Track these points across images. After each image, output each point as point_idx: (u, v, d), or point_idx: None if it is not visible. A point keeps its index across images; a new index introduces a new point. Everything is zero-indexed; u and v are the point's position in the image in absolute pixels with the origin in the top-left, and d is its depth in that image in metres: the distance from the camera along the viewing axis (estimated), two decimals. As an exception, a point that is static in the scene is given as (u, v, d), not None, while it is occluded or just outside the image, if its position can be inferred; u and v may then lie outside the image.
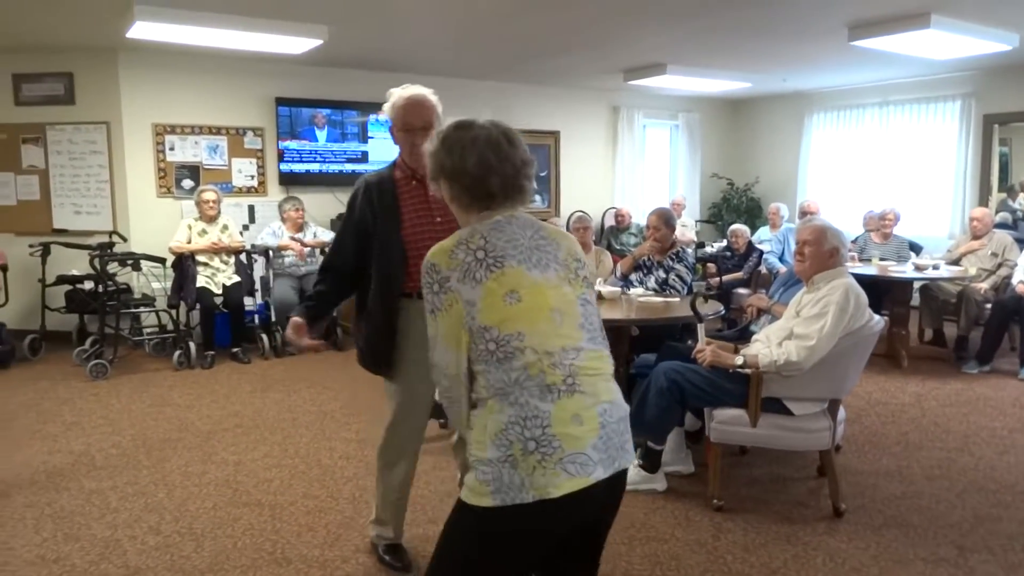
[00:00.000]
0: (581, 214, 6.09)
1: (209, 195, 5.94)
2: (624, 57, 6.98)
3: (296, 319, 2.52)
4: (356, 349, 2.69)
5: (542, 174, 8.76)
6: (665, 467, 3.44)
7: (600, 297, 4.13)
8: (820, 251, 3.14)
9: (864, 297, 3.07)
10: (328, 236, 6.51)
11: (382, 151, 7.50)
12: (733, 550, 2.86)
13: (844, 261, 3.18)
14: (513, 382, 1.51)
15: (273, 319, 6.14)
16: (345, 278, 2.58)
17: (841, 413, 3.21)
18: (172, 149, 6.57)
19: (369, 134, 7.45)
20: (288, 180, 7.05)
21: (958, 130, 7.95)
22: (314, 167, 7.20)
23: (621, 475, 1.59)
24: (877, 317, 3.14)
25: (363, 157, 7.45)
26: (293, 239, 6.26)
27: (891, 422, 4.36)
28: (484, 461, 1.51)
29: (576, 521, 1.59)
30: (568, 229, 6.03)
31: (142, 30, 5.03)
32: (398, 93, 2.49)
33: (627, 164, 9.36)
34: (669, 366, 3.21)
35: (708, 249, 7.99)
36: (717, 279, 7.01)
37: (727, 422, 3.14)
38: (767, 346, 3.11)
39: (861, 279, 5.96)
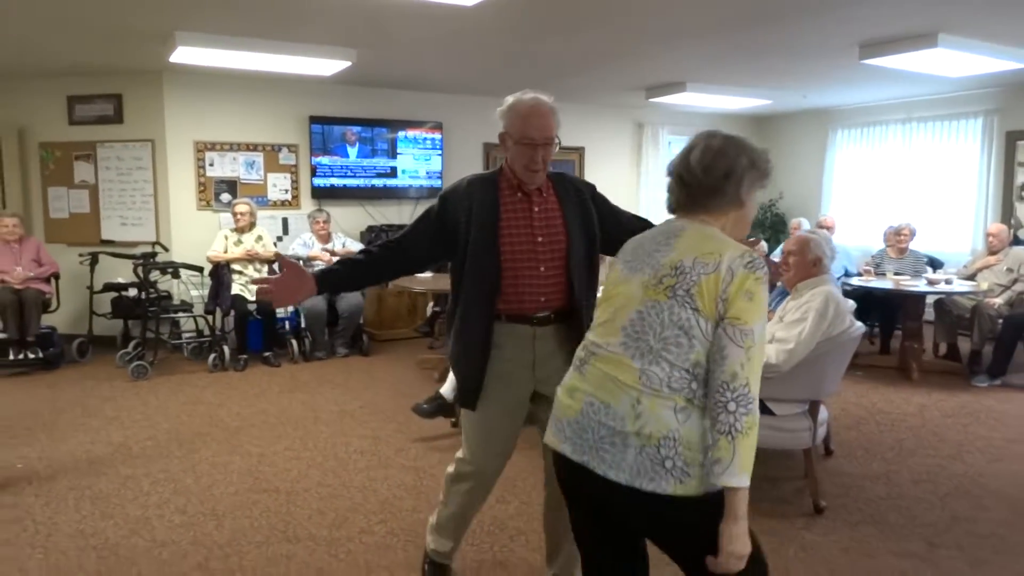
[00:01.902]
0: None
1: (242, 208, 6.30)
2: (644, 76, 7.20)
3: (304, 272, 2.28)
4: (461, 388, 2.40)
5: (566, 189, 8.98)
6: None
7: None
8: (803, 260, 3.31)
9: (844, 304, 3.24)
10: (357, 246, 6.83)
11: (410, 166, 7.82)
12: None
13: (827, 270, 3.35)
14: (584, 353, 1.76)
15: (303, 325, 6.45)
16: (399, 259, 2.35)
17: (823, 414, 3.37)
18: (212, 165, 6.97)
19: (398, 150, 7.77)
20: (320, 194, 7.40)
21: (980, 147, 7.97)
22: (345, 182, 7.54)
23: (595, 477, 1.60)
24: (859, 324, 3.30)
25: (392, 172, 7.77)
26: (324, 250, 6.57)
27: (889, 430, 4.48)
28: None
29: (563, 479, 1.75)
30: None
31: (183, 55, 5.42)
32: (519, 99, 2.29)
33: (652, 179, 9.54)
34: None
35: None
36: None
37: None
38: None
39: (874, 293, 6.16)
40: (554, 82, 7.36)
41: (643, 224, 2.45)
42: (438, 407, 4.31)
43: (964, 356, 6.12)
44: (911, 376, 5.73)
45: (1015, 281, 6.08)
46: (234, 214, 6.32)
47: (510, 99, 2.30)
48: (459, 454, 2.46)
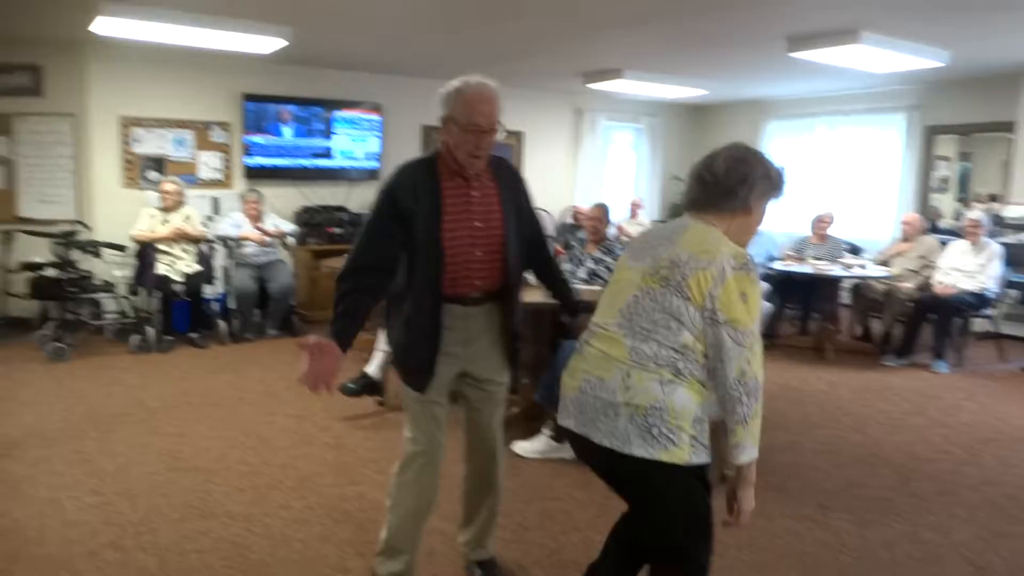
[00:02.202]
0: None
1: (169, 186, 6.17)
2: (582, 61, 7.28)
3: (324, 342, 2.11)
4: (396, 365, 2.43)
5: (504, 173, 9.04)
6: (575, 440, 3.72)
7: (528, 285, 4.41)
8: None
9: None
10: (290, 227, 6.77)
11: (347, 147, 7.77)
12: (621, 506, 3.13)
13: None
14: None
15: (232, 306, 6.38)
16: (384, 275, 2.24)
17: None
18: (138, 141, 6.80)
19: (334, 130, 7.70)
20: (253, 174, 7.29)
21: (902, 140, 8.31)
22: (279, 162, 7.45)
23: (600, 451, 1.78)
24: (766, 304, 3.44)
25: (328, 153, 7.70)
26: (257, 228, 6.48)
27: (797, 404, 4.69)
28: None
29: (579, 454, 1.95)
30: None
31: (105, 26, 5.25)
32: (466, 84, 2.24)
33: (589, 164, 9.67)
34: (575, 344, 3.50)
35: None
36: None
37: (624, 397, 3.43)
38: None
39: (795, 277, 6.39)
40: (494, 65, 7.38)
41: (539, 242, 2.57)
42: (364, 386, 4.35)
43: (877, 337, 6.42)
44: (826, 356, 5.98)
45: (925, 267, 6.38)
46: (161, 193, 6.20)
47: (456, 83, 2.25)
48: (407, 434, 2.41)
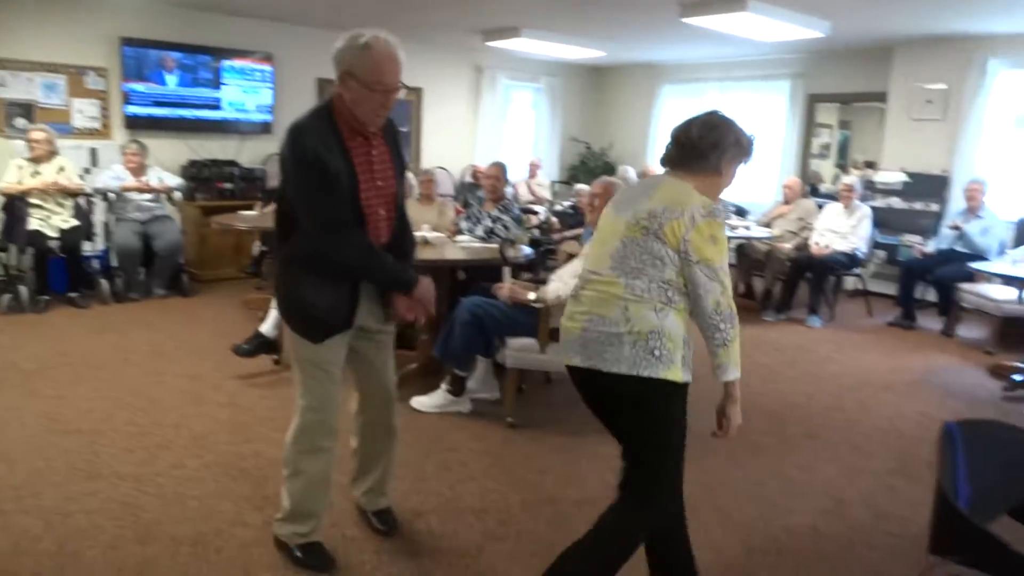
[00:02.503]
0: (428, 168, 6.34)
1: (38, 135, 5.76)
2: (481, 18, 7.22)
3: (420, 283, 2.32)
4: (292, 320, 2.34)
5: (403, 129, 8.93)
6: (472, 393, 3.83)
7: (426, 243, 4.44)
8: (606, 202, 3.54)
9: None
10: (175, 181, 6.47)
11: (238, 99, 7.45)
12: (515, 456, 3.29)
13: (626, 211, 3.61)
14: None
15: (114, 264, 6.07)
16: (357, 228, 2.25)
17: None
18: (3, 86, 6.30)
19: (223, 81, 7.36)
20: (135, 124, 6.90)
21: (786, 107, 8.73)
22: (164, 112, 7.07)
23: (608, 378, 2.00)
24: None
25: (216, 104, 7.37)
26: (139, 182, 6.16)
27: (684, 359, 4.95)
28: None
29: (579, 389, 2.17)
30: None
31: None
32: (376, 40, 2.15)
33: (489, 123, 9.66)
34: (472, 301, 3.58)
35: (557, 207, 8.44)
36: (561, 234, 7.46)
37: (521, 349, 3.54)
38: (559, 284, 3.52)
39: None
40: (392, 18, 7.23)
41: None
42: (259, 345, 4.28)
43: (759, 294, 6.81)
44: (711, 313, 6.29)
45: (803, 229, 6.79)
46: (29, 142, 5.77)
47: (362, 39, 2.14)
48: (302, 402, 2.37)
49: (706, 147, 2.06)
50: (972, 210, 6.10)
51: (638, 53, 9.08)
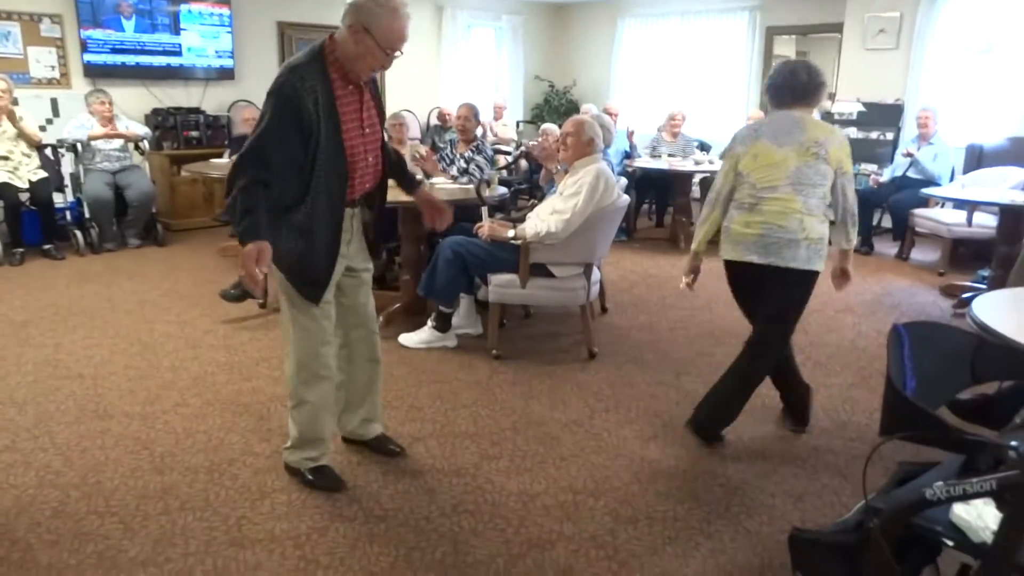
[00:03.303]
0: (397, 112, 6.37)
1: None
2: (441, -44, 7.17)
3: (259, 245, 2.12)
4: (292, 279, 2.39)
5: (367, 72, 8.85)
6: (457, 329, 4.01)
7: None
8: (579, 141, 3.69)
9: (613, 179, 3.68)
10: (143, 130, 6.42)
11: (198, 44, 7.33)
12: (502, 385, 3.49)
13: (599, 149, 3.76)
14: (737, 201, 2.84)
15: (87, 216, 6.06)
16: (275, 187, 2.20)
17: (596, 275, 3.87)
18: (-44, 35, 6.14)
19: (182, 26, 7.23)
20: (95, 72, 6.78)
21: (745, 40, 8.85)
22: (123, 59, 6.94)
23: (781, 270, 2.74)
24: (624, 196, 3.78)
25: (177, 50, 7.24)
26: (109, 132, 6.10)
27: (656, 289, 5.19)
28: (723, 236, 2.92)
29: (742, 279, 2.94)
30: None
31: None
32: (397, 5, 2.23)
33: (452, 64, 9.62)
34: (454, 240, 3.72)
35: (524, 147, 8.52)
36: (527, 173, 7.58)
37: (502, 285, 3.72)
38: (537, 221, 3.68)
39: (650, 173, 6.84)
40: (349, -42, 7.13)
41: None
42: (245, 291, 4.39)
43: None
44: (679, 245, 6.54)
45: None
46: (-9, 92, 5.67)
47: (391, 2, 2.22)
48: (297, 335, 2.46)
49: (816, 86, 2.79)
50: (924, 137, 6.34)
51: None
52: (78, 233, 5.97)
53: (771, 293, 2.83)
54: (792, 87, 2.78)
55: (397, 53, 2.28)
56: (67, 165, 6.16)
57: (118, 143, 6.18)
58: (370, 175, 2.48)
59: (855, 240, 2.92)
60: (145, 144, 6.44)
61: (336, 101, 2.26)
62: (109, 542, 2.26)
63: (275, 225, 2.25)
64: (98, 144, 6.07)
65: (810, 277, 2.80)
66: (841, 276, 3.00)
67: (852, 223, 2.83)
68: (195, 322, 4.35)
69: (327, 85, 2.24)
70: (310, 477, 2.61)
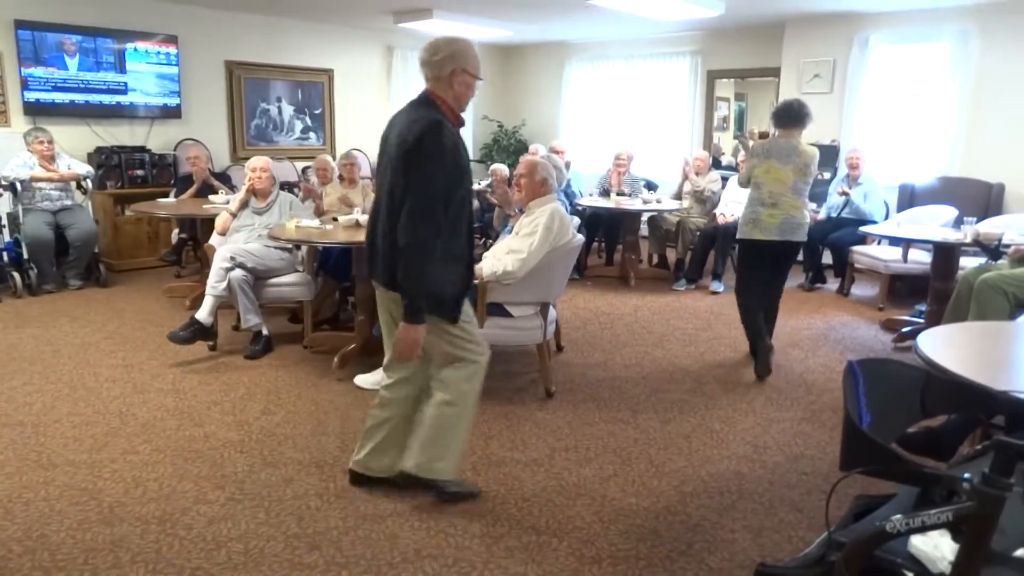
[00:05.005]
0: (348, 152, 6.37)
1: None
2: (391, 0, 7.25)
3: (420, 330, 2.47)
4: (437, 308, 2.55)
5: (316, 111, 8.86)
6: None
7: (357, 225, 4.53)
8: (532, 181, 3.75)
9: (567, 219, 3.75)
10: (85, 169, 6.28)
11: (143, 83, 7.24)
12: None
13: (553, 189, 3.83)
14: (755, 199, 4.24)
15: (25, 256, 5.86)
16: (445, 235, 2.49)
17: (552, 314, 3.91)
18: None
19: (127, 65, 7.13)
20: (35, 110, 6.62)
21: (688, 82, 9.14)
22: (66, 97, 6.80)
23: (788, 243, 4.21)
24: (579, 236, 3.85)
25: (122, 89, 7.13)
26: (50, 170, 5.95)
27: (609, 327, 5.25)
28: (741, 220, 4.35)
29: (764, 251, 4.24)
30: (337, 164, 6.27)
31: None
32: (465, 38, 2.57)
33: (402, 104, 9.63)
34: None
35: (476, 186, 8.60)
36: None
37: (460, 325, 3.71)
38: (493, 261, 3.70)
39: (599, 211, 6.96)
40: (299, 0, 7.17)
41: None
42: (196, 332, 4.30)
43: (671, 264, 7.19)
44: (630, 283, 6.65)
45: (708, 200, 7.19)
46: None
47: (460, 38, 2.55)
48: (470, 348, 2.68)
49: (805, 115, 4.22)
50: (853, 178, 6.62)
51: (545, 33, 9.29)
52: (16, 275, 5.77)
53: (783, 263, 4.33)
54: (789, 115, 4.22)
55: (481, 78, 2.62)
56: (3, 204, 5.97)
57: (60, 182, 6.03)
58: None
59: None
60: (88, 183, 6.29)
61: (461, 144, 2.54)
62: (55, 600, 2.17)
63: (444, 273, 2.50)
64: (39, 183, 5.90)
65: (802, 247, 4.39)
66: None
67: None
68: (142, 366, 4.22)
69: (453, 129, 2.53)
70: (456, 490, 2.78)
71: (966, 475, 1.34)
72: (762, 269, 4.30)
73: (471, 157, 10.15)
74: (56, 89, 6.73)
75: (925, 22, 6.99)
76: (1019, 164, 6.62)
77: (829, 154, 7.44)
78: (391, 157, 2.51)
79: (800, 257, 5.63)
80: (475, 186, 8.52)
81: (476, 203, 7.27)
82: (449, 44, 2.53)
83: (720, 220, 6.67)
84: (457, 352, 2.68)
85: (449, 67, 2.51)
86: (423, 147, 2.40)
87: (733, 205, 6.75)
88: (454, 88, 2.53)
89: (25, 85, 6.56)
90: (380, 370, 3.90)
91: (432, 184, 2.40)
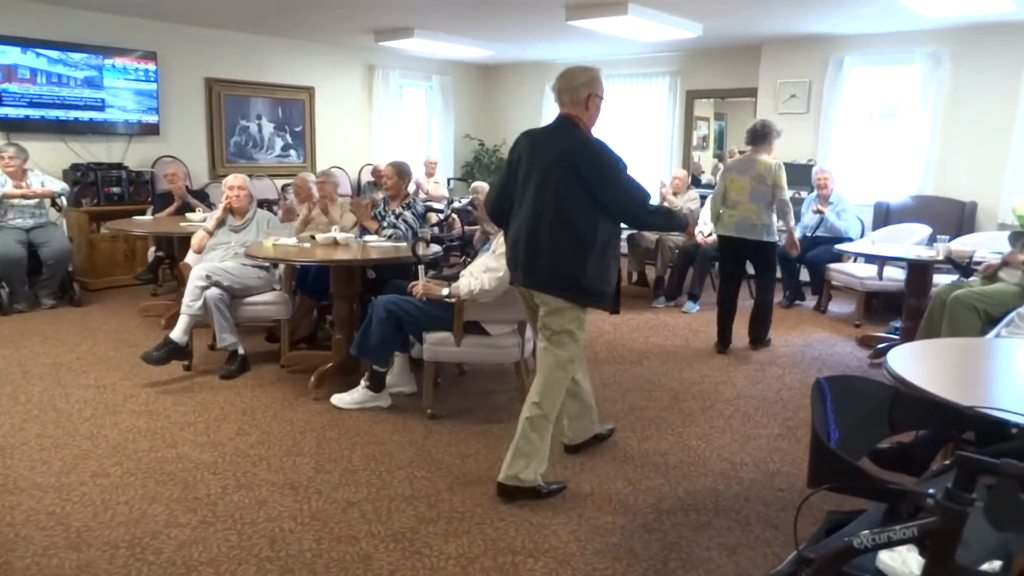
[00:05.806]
0: (327, 169, 6.37)
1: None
2: (372, 19, 7.28)
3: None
4: (598, 300, 2.95)
5: (296, 129, 8.86)
6: (391, 388, 3.96)
7: (335, 243, 4.52)
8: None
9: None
10: (59, 186, 6.21)
11: (121, 99, 7.20)
12: (438, 445, 3.46)
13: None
14: (723, 203, 5.07)
15: (-2, 276, 5.79)
16: None
17: (529, 332, 3.90)
18: None
19: (105, 81, 7.10)
20: (8, 126, 6.56)
21: (667, 102, 9.24)
22: (42, 112, 6.75)
23: (744, 240, 4.97)
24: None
25: (99, 105, 7.09)
26: (18, 187, 5.88)
27: (587, 345, 5.24)
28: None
29: (726, 244, 5.14)
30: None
31: None
32: (598, 68, 2.97)
33: (384, 122, 9.70)
34: (388, 298, 3.71)
35: (456, 204, 8.61)
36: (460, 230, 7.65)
37: (437, 343, 3.71)
38: (471, 279, 3.70)
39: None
40: (282, 19, 7.18)
41: None
42: (170, 352, 4.25)
43: (650, 282, 7.22)
44: (609, 300, 6.66)
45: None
46: None
47: (587, 65, 2.94)
48: (574, 349, 2.98)
49: (768, 132, 4.90)
50: (823, 197, 6.69)
51: (526, 52, 9.36)
52: (-13, 294, 5.69)
53: (751, 256, 5.10)
54: (755, 133, 4.93)
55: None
56: (-26, 222, 5.89)
57: (33, 199, 5.96)
58: None
59: (792, 224, 5.02)
60: (63, 200, 6.23)
61: None
62: (18, 627, 2.12)
63: (599, 260, 2.87)
64: (11, 200, 5.84)
65: (767, 245, 4.96)
66: (790, 245, 5.15)
67: (783, 214, 4.90)
68: (115, 386, 4.17)
69: None
70: (546, 491, 2.98)
71: (930, 490, 1.35)
72: (727, 260, 5.21)
73: (453, 175, 10.23)
74: (31, 105, 6.69)
75: (898, 45, 7.12)
76: (990, 183, 6.74)
77: (805, 173, 7.52)
78: (550, 173, 2.84)
79: (779, 275, 5.69)
80: (456, 204, 8.54)
81: (456, 220, 7.28)
82: (584, 72, 2.88)
83: (700, 239, 6.71)
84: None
85: (586, 92, 2.87)
86: (607, 161, 2.83)
87: (711, 224, 6.80)
88: (589, 110, 2.90)
89: (0, 101, 6.50)
90: (358, 389, 3.91)
91: (631, 185, 2.86)
